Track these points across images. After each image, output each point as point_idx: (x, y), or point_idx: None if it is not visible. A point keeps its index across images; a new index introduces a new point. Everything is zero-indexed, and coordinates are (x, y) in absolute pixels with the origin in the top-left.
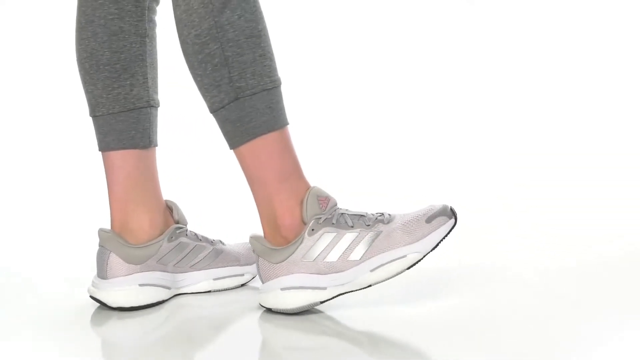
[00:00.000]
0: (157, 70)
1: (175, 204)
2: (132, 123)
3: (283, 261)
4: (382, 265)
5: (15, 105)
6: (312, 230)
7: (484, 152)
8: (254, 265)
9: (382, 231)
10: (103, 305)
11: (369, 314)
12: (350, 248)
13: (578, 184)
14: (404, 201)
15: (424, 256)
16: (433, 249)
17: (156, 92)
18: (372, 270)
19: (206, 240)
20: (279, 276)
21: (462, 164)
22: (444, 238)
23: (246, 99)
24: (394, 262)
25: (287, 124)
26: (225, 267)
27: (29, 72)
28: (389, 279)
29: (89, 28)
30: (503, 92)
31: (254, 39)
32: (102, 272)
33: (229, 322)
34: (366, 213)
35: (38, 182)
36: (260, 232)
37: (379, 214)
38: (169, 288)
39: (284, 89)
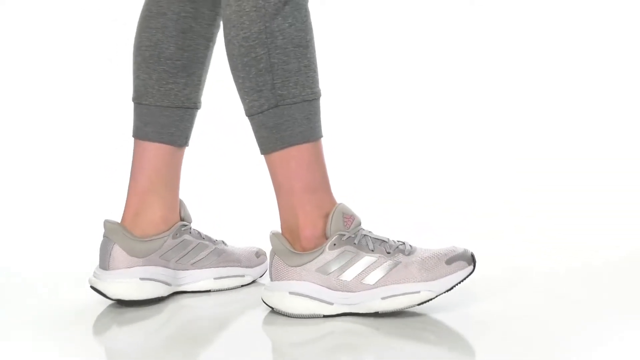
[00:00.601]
0: (207, 74)
1: (182, 202)
2: (176, 120)
3: (298, 266)
4: (395, 296)
5: (13, 105)
6: (334, 245)
7: (490, 156)
8: (256, 268)
9: (400, 262)
10: (102, 296)
11: (377, 315)
12: (366, 271)
13: (585, 189)
14: (423, 208)
15: (437, 296)
16: (447, 291)
17: (202, 95)
18: (383, 299)
19: (209, 239)
20: (290, 279)
21: (468, 168)
22: (459, 282)
23: (286, 108)
24: (406, 296)
25: (322, 136)
26: (226, 267)
27: (29, 71)
28: (397, 310)
29: (159, 19)
30: (510, 96)
31: (302, 49)
32: (104, 263)
33: (230, 321)
34: (388, 239)
35: (38, 182)
36: (279, 229)
37: (401, 243)
38: (169, 284)
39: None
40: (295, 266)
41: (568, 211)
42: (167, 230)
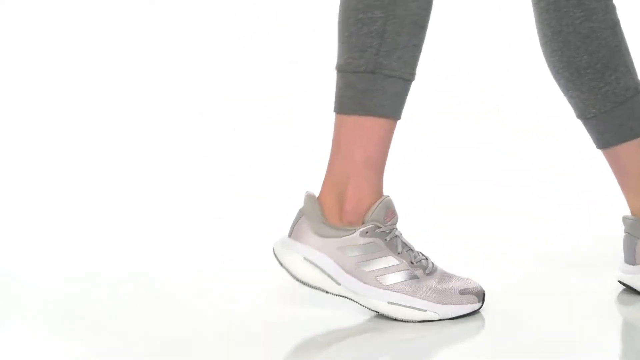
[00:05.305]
0: (630, 51)
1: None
2: (627, 116)
3: (322, 237)
4: (401, 305)
5: (14, 105)
6: (366, 232)
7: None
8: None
9: (418, 277)
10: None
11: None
12: (386, 270)
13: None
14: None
15: (439, 320)
16: (450, 318)
17: (638, 76)
18: (389, 303)
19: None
20: (310, 245)
21: (471, 169)
22: (464, 315)
23: (381, 77)
24: (411, 310)
25: (399, 119)
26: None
27: (30, 71)
28: (397, 319)
29: (558, 39)
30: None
31: (417, 28)
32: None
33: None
34: (413, 248)
35: (38, 181)
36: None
37: (424, 257)
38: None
39: None
40: (319, 235)
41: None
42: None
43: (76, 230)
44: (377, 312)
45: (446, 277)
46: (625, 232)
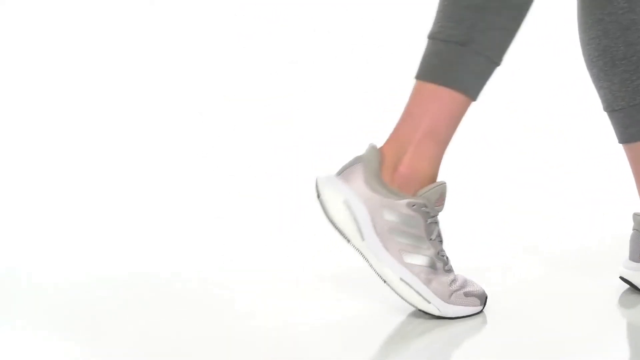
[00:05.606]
0: None
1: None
2: None
3: (369, 188)
4: (411, 287)
5: (15, 105)
6: (412, 205)
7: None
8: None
9: (437, 269)
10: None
11: (387, 313)
12: (411, 247)
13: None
14: None
15: (439, 317)
16: (449, 317)
17: None
18: (401, 279)
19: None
20: (354, 190)
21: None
22: (462, 317)
23: (466, 52)
24: (418, 296)
25: (475, 101)
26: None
27: (30, 71)
28: (400, 297)
29: (598, 27)
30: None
31: (518, 13)
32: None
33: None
34: (442, 243)
35: (38, 181)
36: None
37: (446, 257)
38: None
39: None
40: (369, 186)
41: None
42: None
43: (75, 230)
44: (384, 281)
45: (458, 278)
46: (634, 229)
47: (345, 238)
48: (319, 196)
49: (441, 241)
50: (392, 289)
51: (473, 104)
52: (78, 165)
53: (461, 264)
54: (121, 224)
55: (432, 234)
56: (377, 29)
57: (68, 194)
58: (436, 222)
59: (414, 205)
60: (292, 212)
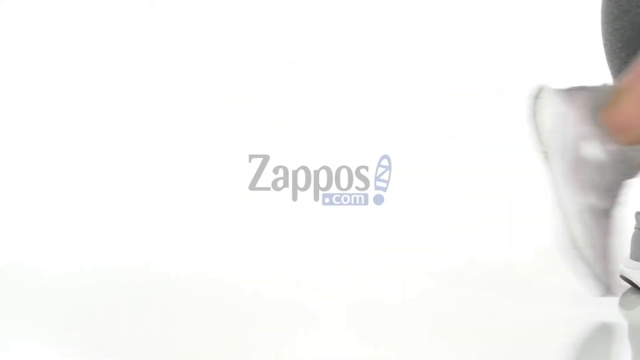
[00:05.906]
0: None
1: None
2: None
3: (591, 115)
4: (580, 215)
5: (15, 104)
6: (613, 153)
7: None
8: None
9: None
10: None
11: (389, 310)
12: (597, 188)
13: None
14: None
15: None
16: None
17: None
18: (577, 211)
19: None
20: (574, 112)
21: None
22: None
23: None
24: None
25: None
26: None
27: (30, 71)
28: (563, 230)
29: (624, 18)
30: None
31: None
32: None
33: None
34: (618, 204)
35: (39, 182)
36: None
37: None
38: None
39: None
40: (590, 113)
41: None
42: None
43: (75, 229)
44: (556, 209)
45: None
46: (635, 228)
47: (540, 147)
48: (536, 97)
49: (617, 202)
50: (560, 218)
51: (477, 105)
52: (78, 165)
53: (461, 260)
54: (121, 224)
55: (611, 190)
56: (377, 29)
57: (68, 193)
58: (621, 183)
59: (614, 154)
60: (292, 212)
